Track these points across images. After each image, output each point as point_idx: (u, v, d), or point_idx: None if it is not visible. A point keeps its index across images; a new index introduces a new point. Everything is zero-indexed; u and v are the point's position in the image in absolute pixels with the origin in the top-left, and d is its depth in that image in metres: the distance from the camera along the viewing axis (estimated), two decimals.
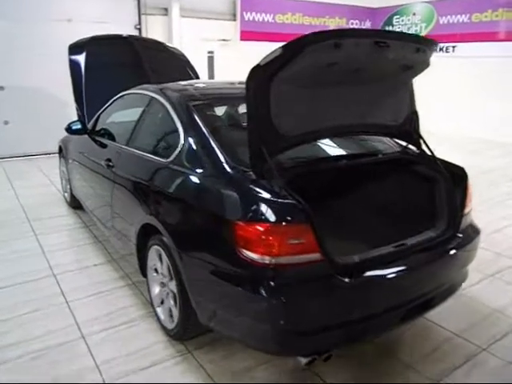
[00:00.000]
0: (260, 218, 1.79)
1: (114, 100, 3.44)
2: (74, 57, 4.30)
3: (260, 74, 1.86)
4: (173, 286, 2.29)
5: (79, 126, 3.65)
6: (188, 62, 4.95)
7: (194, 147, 2.27)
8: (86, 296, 2.90)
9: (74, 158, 4.05)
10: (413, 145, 2.56)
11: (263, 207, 1.81)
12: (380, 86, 2.30)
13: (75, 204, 4.47)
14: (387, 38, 1.98)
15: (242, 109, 2.66)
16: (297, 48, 1.79)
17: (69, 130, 3.64)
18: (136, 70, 4.44)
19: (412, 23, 10.28)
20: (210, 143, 2.21)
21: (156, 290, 2.56)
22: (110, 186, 3.00)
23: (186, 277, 2.12)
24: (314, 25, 10.10)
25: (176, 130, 2.43)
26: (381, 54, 2.00)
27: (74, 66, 4.26)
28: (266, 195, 1.85)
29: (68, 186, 4.50)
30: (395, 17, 10.69)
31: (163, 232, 2.25)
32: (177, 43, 7.93)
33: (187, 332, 2.31)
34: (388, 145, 2.68)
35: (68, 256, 3.51)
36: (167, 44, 5.11)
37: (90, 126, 3.70)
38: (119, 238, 2.98)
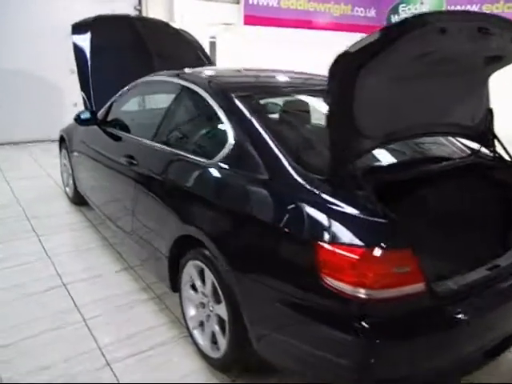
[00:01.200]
0: (353, 240, 1.46)
1: (131, 87, 3.03)
2: (78, 38, 3.87)
3: (348, 63, 1.52)
4: (220, 310, 1.95)
5: (89, 116, 3.24)
6: (201, 47, 4.54)
7: (249, 148, 1.90)
8: (105, 311, 2.53)
9: (80, 150, 3.63)
10: (487, 147, 2.26)
11: (356, 226, 1.49)
12: (464, 79, 1.98)
13: (78, 200, 4.06)
14: (491, 24, 1.65)
15: (299, 103, 2.34)
16: (401, 32, 1.45)
17: (78, 120, 3.23)
18: (141, 54, 4.04)
19: None
20: (271, 144, 1.85)
21: (192, 310, 2.21)
22: (132, 187, 2.62)
23: (243, 303, 1.78)
24: (318, 11, 9.72)
25: (221, 126, 2.06)
26: (480, 42, 1.68)
27: (78, 48, 3.84)
28: (356, 210, 1.52)
29: (71, 181, 4.09)
30: (401, 5, 10.36)
31: (210, 247, 1.90)
32: (178, 26, 7.47)
33: (237, 363, 1.98)
34: (452, 148, 2.37)
35: (77, 262, 3.12)
36: (178, 28, 4.67)
37: (100, 115, 3.30)
38: (143, 246, 2.61)
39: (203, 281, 2.07)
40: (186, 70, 2.69)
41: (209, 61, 4.41)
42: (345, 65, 1.52)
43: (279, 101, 2.42)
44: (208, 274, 1.99)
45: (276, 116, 2.31)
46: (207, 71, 2.75)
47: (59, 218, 3.90)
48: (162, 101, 2.73)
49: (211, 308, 2.05)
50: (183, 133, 2.48)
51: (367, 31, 8.51)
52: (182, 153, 2.24)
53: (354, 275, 1.43)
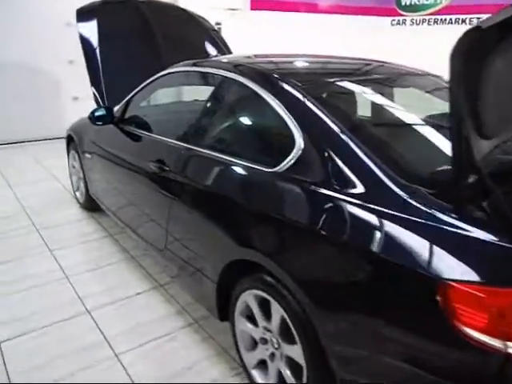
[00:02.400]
0: (494, 277, 1.11)
1: (154, 80, 2.64)
2: (83, 26, 3.47)
3: (478, 42, 1.15)
4: (293, 352, 1.60)
5: (104, 113, 2.85)
6: (218, 34, 4.15)
7: (327, 153, 1.53)
8: (139, 343, 2.18)
9: (93, 151, 3.24)
10: None
11: (498, 259, 1.14)
12: None
13: (90, 206, 3.69)
14: None
15: (377, 96, 1.95)
16: None
17: (93, 118, 2.84)
18: (156, 43, 3.65)
19: None
20: (357, 147, 1.48)
21: (250, 346, 1.87)
22: (163, 198, 2.25)
23: (332, 350, 1.43)
24: None
25: (283, 127, 1.69)
26: None
27: (84, 38, 3.44)
28: (494, 237, 1.16)
29: (82, 185, 3.71)
30: None
31: (283, 277, 1.55)
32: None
33: None
34: None
35: (99, 281, 2.75)
36: (192, 12, 4.25)
37: (116, 113, 2.92)
38: (181, 267, 2.26)
39: (266, 313, 1.72)
40: (224, 58, 2.31)
41: (228, 50, 4.02)
42: (474, 44, 1.15)
43: (355, 94, 2.01)
44: (275, 308, 1.64)
45: (352, 111, 1.92)
46: (255, 60, 2.36)
47: (72, 227, 3.53)
48: (194, 96, 2.35)
49: (276, 345, 1.71)
50: (232, 135, 2.09)
51: (378, 13, 8.03)
52: (234, 159, 1.85)
53: (501, 323, 1.08)
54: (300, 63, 2.37)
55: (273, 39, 7.49)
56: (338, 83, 1.94)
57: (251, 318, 1.84)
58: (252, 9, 8.14)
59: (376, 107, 1.97)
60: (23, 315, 2.38)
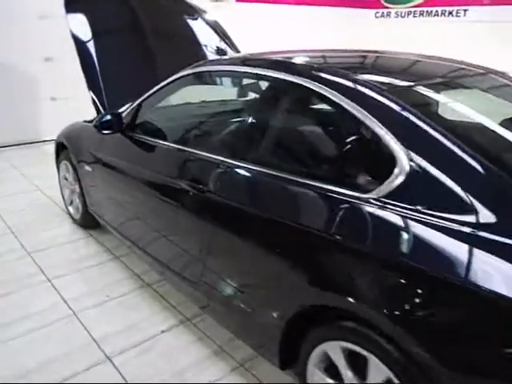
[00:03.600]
0: None
1: (175, 80, 2.24)
2: (73, 19, 3.03)
3: None
4: None
5: (113, 119, 2.43)
6: (223, 30, 3.76)
7: (446, 176, 1.22)
8: None
9: (94, 163, 2.81)
10: None
11: None
12: None
13: (88, 223, 3.27)
14: None
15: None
16: None
17: (100, 126, 2.42)
18: (136, 36, 3.25)
19: None
20: (480, 166, 1.18)
21: None
22: (201, 224, 1.88)
23: None
24: None
25: (378, 143, 1.36)
26: None
27: (76, 30, 2.99)
28: None
29: (77, 200, 3.26)
30: None
31: (389, 329, 1.22)
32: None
33: None
34: None
35: (114, 319, 2.32)
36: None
37: (125, 119, 2.51)
38: (223, 303, 1.90)
39: (356, 368, 1.40)
40: (268, 55, 1.95)
41: (234, 47, 3.64)
42: None
43: (443, 101, 1.69)
44: (377, 367, 1.31)
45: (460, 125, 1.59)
46: (313, 57, 2.01)
47: (69, 248, 3.09)
48: (234, 101, 1.98)
49: None
50: (303, 151, 1.73)
51: (367, 6, 7.79)
52: (309, 181, 1.51)
53: None
54: (361, 62, 2.04)
55: (259, 32, 7.17)
56: (422, 87, 1.62)
57: (329, 371, 1.51)
58: (238, 0, 7.74)
59: (473, 116, 1.65)
60: (27, 368, 1.97)
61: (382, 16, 9.95)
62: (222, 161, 1.82)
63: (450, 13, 8.80)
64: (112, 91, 2.83)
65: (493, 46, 7.71)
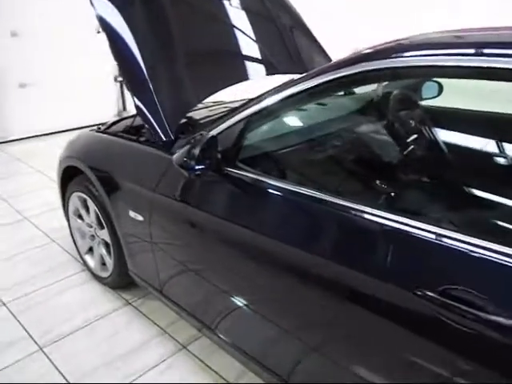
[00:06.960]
0: None
1: (323, 83, 1.22)
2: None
3: None
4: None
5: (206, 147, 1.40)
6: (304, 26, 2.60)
7: None
8: None
9: (154, 208, 1.74)
10: None
11: None
12: None
13: (120, 284, 2.24)
14: None
15: None
16: None
17: (190, 166, 1.39)
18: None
19: None
20: None
21: None
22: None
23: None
24: None
25: None
26: None
27: (109, 24, 1.89)
28: None
29: (103, 251, 2.20)
30: None
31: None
32: None
33: None
34: None
35: None
36: None
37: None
38: None
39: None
40: None
41: (328, 58, 2.52)
42: None
43: None
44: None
45: None
46: None
47: (107, 323, 2.05)
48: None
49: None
50: None
51: None
52: None
53: None
54: None
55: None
56: None
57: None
58: None
59: None
60: None
61: None
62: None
63: None
64: (168, 102, 1.81)
65: None
